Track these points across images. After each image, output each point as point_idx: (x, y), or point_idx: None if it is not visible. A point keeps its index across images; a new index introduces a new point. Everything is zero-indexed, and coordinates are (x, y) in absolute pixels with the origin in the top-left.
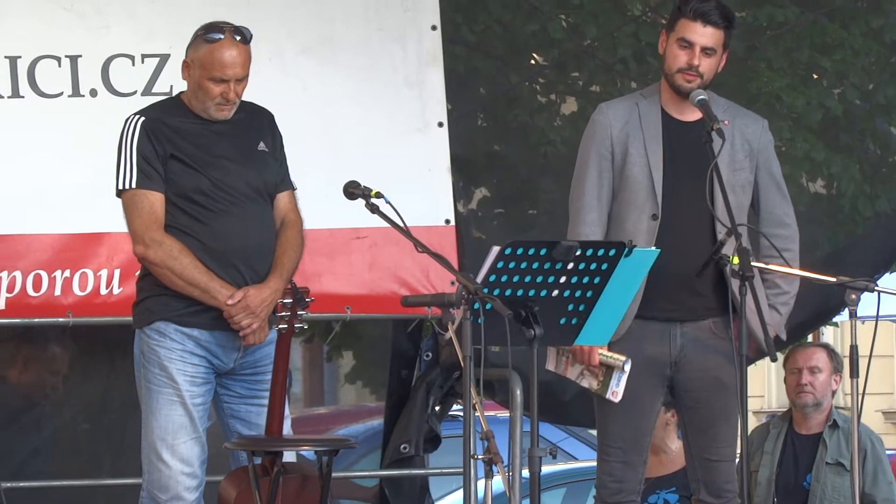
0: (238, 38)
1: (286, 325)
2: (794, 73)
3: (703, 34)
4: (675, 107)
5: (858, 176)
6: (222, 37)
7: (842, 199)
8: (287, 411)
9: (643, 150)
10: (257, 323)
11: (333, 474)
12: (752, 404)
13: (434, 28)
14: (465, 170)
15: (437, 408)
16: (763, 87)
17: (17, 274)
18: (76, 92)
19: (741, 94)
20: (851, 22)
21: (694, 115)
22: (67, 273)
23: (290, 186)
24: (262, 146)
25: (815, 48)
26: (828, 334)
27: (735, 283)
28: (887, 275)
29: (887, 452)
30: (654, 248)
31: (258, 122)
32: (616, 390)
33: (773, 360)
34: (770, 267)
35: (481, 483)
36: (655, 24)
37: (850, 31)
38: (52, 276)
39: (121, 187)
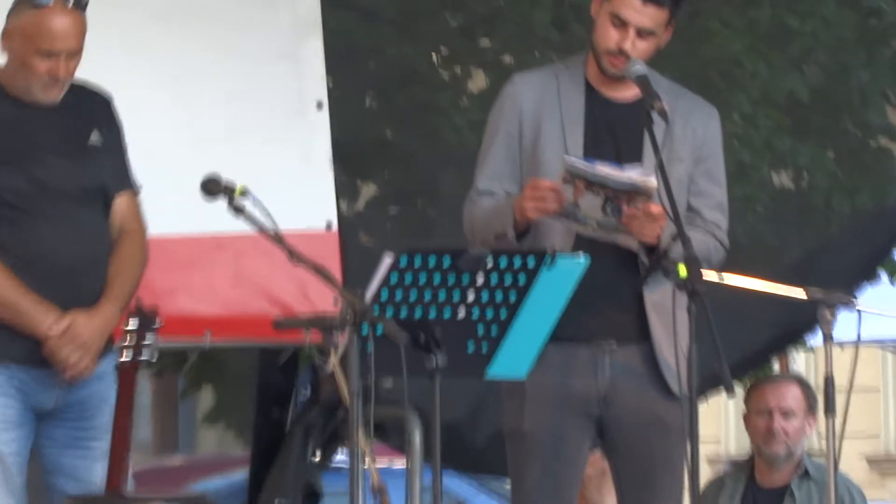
0: (70, 3)
1: (129, 358)
2: (753, 34)
3: (642, 13)
4: (605, 82)
5: (833, 165)
6: (51, 2)
7: (814, 193)
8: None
9: (560, 131)
10: (87, 359)
11: None
12: (705, 450)
13: None
14: (350, 161)
15: (317, 456)
16: (717, 52)
17: None
18: None
19: (689, 60)
20: None
21: (627, 92)
22: None
23: (130, 187)
24: (94, 138)
25: (778, 6)
26: (800, 361)
27: (677, 297)
28: (870, 287)
29: None
30: (580, 255)
31: (91, 109)
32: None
33: (730, 393)
34: (725, 282)
35: None
36: None
37: None
38: None
39: None
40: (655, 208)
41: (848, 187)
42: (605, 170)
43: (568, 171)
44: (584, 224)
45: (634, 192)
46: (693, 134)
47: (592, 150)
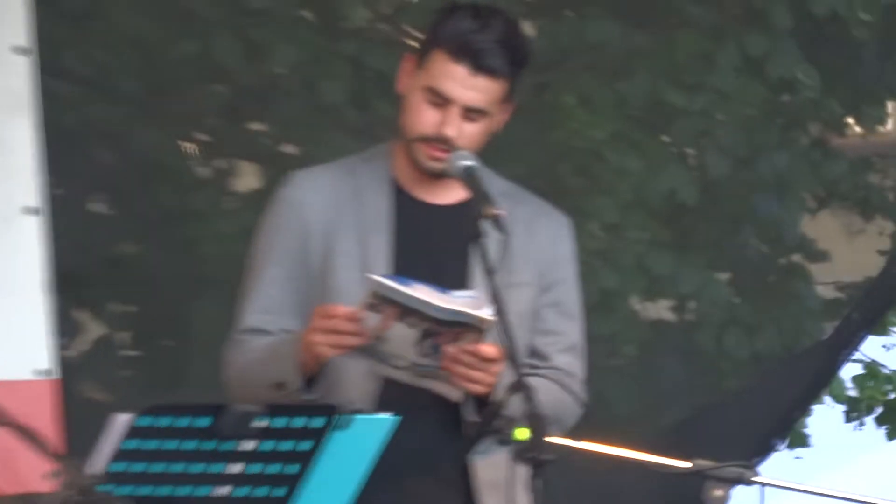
0: None
1: None
2: (622, 115)
3: (471, 86)
4: (419, 179)
5: (728, 292)
6: None
7: (701, 331)
8: None
9: (358, 247)
10: None
11: None
12: None
13: None
14: (73, 286)
15: None
16: (572, 139)
17: None
18: None
19: (535, 150)
20: (717, 47)
21: (449, 194)
22: None
23: None
24: None
25: (659, 80)
26: None
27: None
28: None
29: None
30: (385, 413)
31: None
32: None
33: None
34: (581, 450)
35: None
36: (392, 42)
37: (714, 60)
38: None
39: None
40: (488, 349)
41: (747, 323)
42: (424, 294)
43: (374, 293)
44: (391, 366)
45: (462, 327)
46: (538, 252)
47: (403, 271)
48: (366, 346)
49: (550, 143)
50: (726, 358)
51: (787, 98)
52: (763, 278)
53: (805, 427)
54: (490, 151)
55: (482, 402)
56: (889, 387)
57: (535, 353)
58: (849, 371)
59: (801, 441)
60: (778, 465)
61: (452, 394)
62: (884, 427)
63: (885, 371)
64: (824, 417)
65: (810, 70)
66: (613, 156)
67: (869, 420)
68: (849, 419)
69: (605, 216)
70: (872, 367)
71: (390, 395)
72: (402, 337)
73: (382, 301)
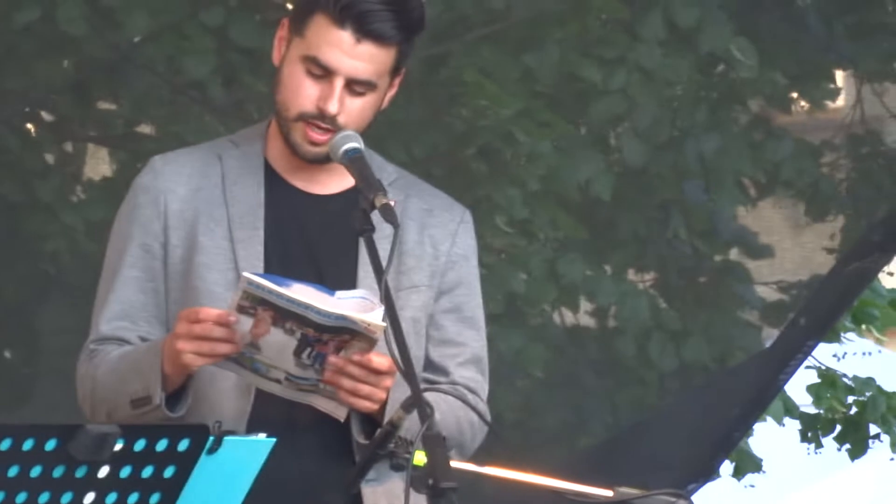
0: None
1: None
2: (530, 92)
3: (356, 55)
4: (296, 165)
5: (653, 295)
6: None
7: (622, 339)
8: None
9: (227, 241)
10: None
11: None
12: None
13: None
14: None
15: None
16: (474, 118)
17: None
18: None
19: (430, 130)
20: (640, 18)
21: (331, 181)
22: None
23: None
24: None
25: (568, 49)
26: None
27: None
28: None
29: None
30: (260, 434)
31: None
32: None
33: None
34: (488, 475)
35: None
36: (264, 5)
37: (636, 33)
38: None
39: None
40: (379, 360)
41: (674, 331)
42: (304, 295)
43: (247, 293)
44: (266, 378)
45: (348, 334)
46: (434, 249)
47: (279, 271)
48: (237, 355)
49: (449, 122)
50: (649, 370)
51: (721, 70)
52: (694, 278)
53: (747, 446)
54: (381, 130)
55: (371, 421)
56: (850, 398)
57: (432, 365)
58: (802, 379)
59: (752, 466)
60: (727, 494)
61: (337, 411)
62: (843, 446)
63: (846, 381)
64: (777, 437)
65: (746, 45)
66: (521, 137)
67: (827, 440)
68: (804, 438)
69: (512, 210)
70: (829, 375)
71: (265, 413)
72: (278, 345)
73: (256, 303)
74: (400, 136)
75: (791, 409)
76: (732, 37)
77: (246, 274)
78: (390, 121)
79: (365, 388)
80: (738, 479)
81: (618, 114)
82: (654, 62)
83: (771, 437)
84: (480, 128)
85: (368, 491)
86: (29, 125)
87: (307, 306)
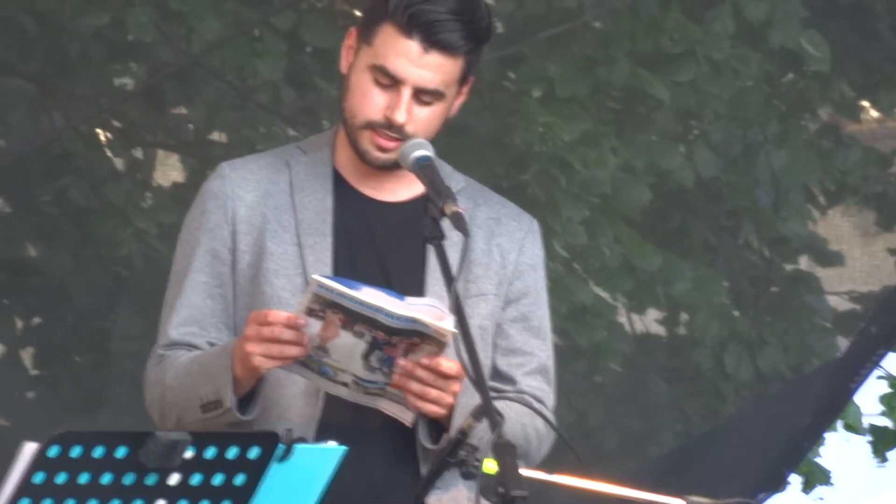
0: None
1: None
2: (596, 108)
3: (423, 64)
4: (365, 172)
5: (728, 302)
6: None
7: (697, 346)
8: None
9: (296, 247)
10: None
11: None
12: None
13: None
14: None
15: None
16: (533, 139)
17: None
18: None
19: (492, 149)
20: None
21: (399, 188)
22: None
23: None
24: None
25: (633, 60)
26: None
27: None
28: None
29: None
30: (328, 440)
31: None
32: None
33: None
34: (557, 484)
35: None
36: (333, 13)
37: (704, 27)
38: None
39: None
40: (448, 365)
41: (752, 339)
42: (375, 298)
43: (316, 296)
44: (333, 381)
45: (417, 338)
46: (501, 258)
47: (348, 273)
48: (304, 358)
49: (509, 140)
50: (724, 379)
51: (790, 79)
52: (768, 287)
53: (818, 457)
54: (449, 142)
55: (439, 426)
56: None
57: (498, 374)
58: (873, 390)
59: (822, 478)
60: None
61: (404, 415)
62: None
63: None
64: (847, 449)
65: (818, 38)
66: (578, 160)
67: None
68: (876, 451)
69: (571, 228)
70: None
71: (334, 419)
72: (347, 348)
73: (326, 305)
74: (464, 145)
75: (855, 423)
76: (803, 30)
77: (316, 276)
78: (454, 127)
79: (433, 392)
80: (807, 493)
81: (687, 107)
82: (724, 53)
83: (839, 449)
84: (536, 154)
85: (433, 499)
86: (98, 130)
87: (378, 308)
